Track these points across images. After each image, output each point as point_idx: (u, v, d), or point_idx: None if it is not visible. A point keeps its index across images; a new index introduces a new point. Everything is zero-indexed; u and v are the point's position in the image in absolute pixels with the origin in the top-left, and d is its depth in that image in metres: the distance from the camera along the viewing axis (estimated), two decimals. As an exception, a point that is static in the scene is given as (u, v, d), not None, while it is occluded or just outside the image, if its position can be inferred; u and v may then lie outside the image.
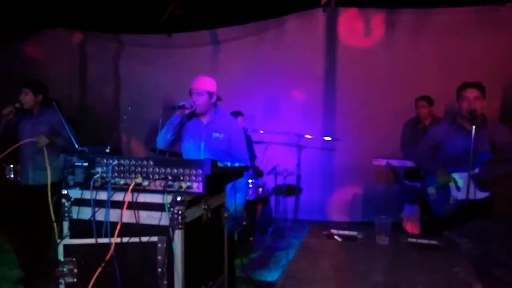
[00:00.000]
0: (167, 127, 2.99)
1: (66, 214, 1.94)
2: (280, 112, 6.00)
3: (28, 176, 3.61)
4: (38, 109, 3.69)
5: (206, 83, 2.99)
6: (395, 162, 4.64)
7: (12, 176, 3.36)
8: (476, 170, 3.06)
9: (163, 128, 3.02)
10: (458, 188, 3.17)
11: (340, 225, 2.64)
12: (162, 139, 3.02)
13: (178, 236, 1.82)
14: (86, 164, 1.97)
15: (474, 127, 2.90)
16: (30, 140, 3.37)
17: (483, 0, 5.28)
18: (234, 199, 2.78)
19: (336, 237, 2.34)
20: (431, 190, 3.33)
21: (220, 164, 2.08)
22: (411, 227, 4.48)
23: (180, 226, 1.82)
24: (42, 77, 6.27)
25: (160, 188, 1.89)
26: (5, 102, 6.43)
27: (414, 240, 2.35)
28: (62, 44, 7.09)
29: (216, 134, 2.99)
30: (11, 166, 3.35)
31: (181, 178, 1.89)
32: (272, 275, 4.05)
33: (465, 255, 2.11)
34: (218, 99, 3.08)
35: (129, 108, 6.52)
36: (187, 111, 2.90)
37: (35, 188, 3.56)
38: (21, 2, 6.03)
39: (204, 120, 3.05)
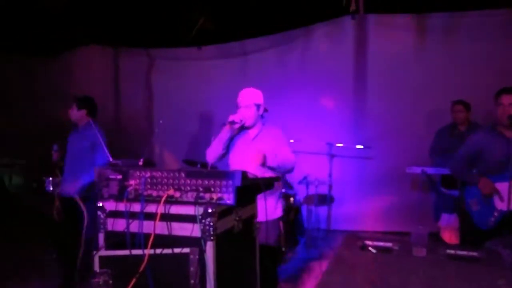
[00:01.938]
0: (218, 142, 3.00)
1: (102, 226, 1.99)
2: (311, 121, 5.95)
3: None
4: (83, 124, 3.78)
5: (253, 96, 3.00)
6: (430, 170, 4.49)
7: (51, 188, 3.45)
8: None
9: (213, 143, 3.03)
10: (501, 199, 3.02)
11: (374, 235, 2.58)
12: (213, 154, 3.03)
13: (210, 248, 1.83)
14: (120, 176, 2.02)
15: (514, 133, 2.78)
16: None
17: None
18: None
19: (370, 248, 2.28)
20: (473, 203, 3.20)
21: (250, 175, 2.08)
22: (450, 236, 4.32)
23: (211, 238, 1.83)
24: (78, 92, 6.55)
25: (191, 199, 1.91)
26: (41, 113, 6.78)
27: (453, 251, 2.25)
28: (96, 60, 7.35)
29: (263, 146, 2.97)
30: (50, 178, 3.45)
31: (212, 189, 1.90)
32: (305, 286, 3.99)
33: (508, 267, 2.01)
34: (265, 110, 3.08)
35: (160, 121, 6.65)
36: (237, 126, 2.91)
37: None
38: (57, 21, 6.31)
39: (252, 132, 3.05)
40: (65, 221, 3.64)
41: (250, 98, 2.98)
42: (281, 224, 3.26)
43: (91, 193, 3.45)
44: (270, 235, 3.01)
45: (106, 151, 3.44)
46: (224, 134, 2.96)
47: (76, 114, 3.76)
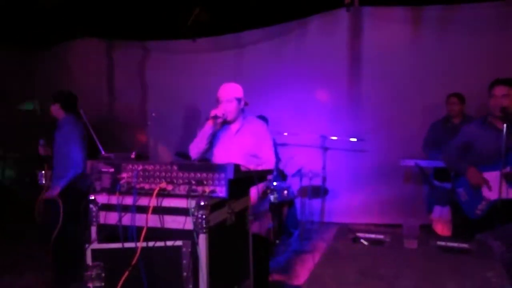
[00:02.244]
0: (201, 137, 3.00)
1: (94, 219, 1.99)
2: (305, 114, 5.97)
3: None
4: (61, 119, 3.76)
5: (234, 90, 3.01)
6: (423, 163, 4.53)
7: (44, 182, 3.46)
8: (508, 169, 2.96)
9: (196, 138, 3.03)
10: (490, 188, 3.06)
11: (367, 228, 2.60)
12: (196, 149, 3.03)
13: (202, 240, 1.84)
14: (112, 170, 2.01)
15: (505, 125, 2.81)
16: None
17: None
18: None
19: (362, 240, 2.29)
20: (462, 192, 3.24)
21: (243, 168, 2.08)
22: (442, 228, 4.36)
23: (204, 230, 1.84)
24: (73, 84, 6.55)
25: (184, 192, 1.91)
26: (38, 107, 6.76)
27: (444, 243, 2.27)
28: (91, 52, 7.31)
29: (245, 140, 3.00)
30: (43, 172, 3.46)
31: (205, 182, 1.90)
32: (298, 279, 4.02)
33: (498, 259, 2.04)
34: (245, 103, 3.10)
35: (153, 114, 6.65)
36: (219, 120, 2.92)
37: None
38: (52, 14, 6.26)
39: (234, 126, 3.06)
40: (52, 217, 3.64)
41: (231, 92, 2.99)
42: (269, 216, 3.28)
43: (72, 187, 3.45)
44: (262, 227, 3.05)
45: (81, 145, 3.44)
46: (207, 129, 2.96)
47: (53, 109, 3.74)
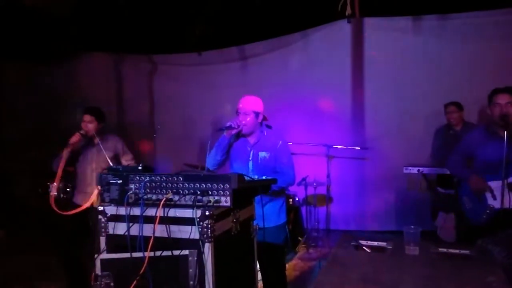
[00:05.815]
0: (216, 148, 3.02)
1: (103, 230, 2.04)
2: (309, 124, 6.01)
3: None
4: (99, 136, 3.81)
5: (252, 103, 3.02)
6: (427, 170, 4.56)
7: (55, 193, 3.51)
8: (510, 179, 2.97)
9: (212, 150, 3.04)
10: (494, 197, 3.06)
11: (370, 235, 2.62)
12: (212, 161, 3.04)
13: (208, 249, 1.87)
14: (120, 181, 2.07)
15: (506, 132, 2.83)
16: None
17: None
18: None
19: (364, 247, 2.33)
20: (467, 200, 3.25)
21: (247, 178, 2.13)
22: (447, 235, 4.36)
23: (210, 239, 1.87)
24: (81, 97, 6.66)
25: (190, 202, 1.96)
26: (46, 119, 6.84)
27: (445, 249, 2.30)
28: (99, 66, 7.43)
29: (263, 154, 3.00)
30: (54, 184, 3.51)
31: (210, 192, 1.95)
32: (305, 286, 4.04)
33: (499, 264, 2.06)
34: (264, 118, 3.10)
35: (158, 127, 6.74)
36: (234, 132, 2.94)
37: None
38: (61, 29, 6.41)
39: (251, 139, 3.07)
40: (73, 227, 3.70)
41: (249, 105, 3.00)
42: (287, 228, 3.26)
43: None
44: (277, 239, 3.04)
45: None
46: (222, 140, 2.99)
47: (96, 127, 3.79)
